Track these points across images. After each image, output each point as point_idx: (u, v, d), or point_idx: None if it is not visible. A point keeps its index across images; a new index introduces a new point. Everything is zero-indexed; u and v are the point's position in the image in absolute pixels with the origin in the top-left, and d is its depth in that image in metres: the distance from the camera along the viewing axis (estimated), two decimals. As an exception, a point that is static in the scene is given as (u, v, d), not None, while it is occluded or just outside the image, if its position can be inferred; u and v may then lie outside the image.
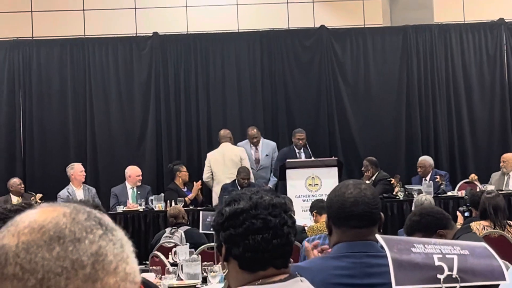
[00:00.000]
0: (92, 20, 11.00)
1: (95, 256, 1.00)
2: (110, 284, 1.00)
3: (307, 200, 8.93)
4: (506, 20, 10.70)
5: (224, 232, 2.04)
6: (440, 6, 10.81)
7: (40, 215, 1.01)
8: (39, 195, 8.53)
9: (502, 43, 10.72)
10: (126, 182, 9.55)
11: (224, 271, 2.13)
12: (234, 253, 2.02)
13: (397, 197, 9.15)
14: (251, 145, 10.12)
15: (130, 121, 10.77)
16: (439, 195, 8.95)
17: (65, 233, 1.01)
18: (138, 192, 9.53)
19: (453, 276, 1.78)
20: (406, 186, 9.54)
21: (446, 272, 1.77)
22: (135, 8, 11.07)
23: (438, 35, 10.63)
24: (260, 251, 1.99)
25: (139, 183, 9.58)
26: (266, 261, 2.00)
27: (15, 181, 9.34)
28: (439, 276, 1.77)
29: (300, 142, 9.86)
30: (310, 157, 9.89)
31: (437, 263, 1.79)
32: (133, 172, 9.45)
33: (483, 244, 1.99)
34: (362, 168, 9.71)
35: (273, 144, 10.46)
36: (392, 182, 9.48)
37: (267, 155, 10.29)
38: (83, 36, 10.66)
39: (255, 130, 10.16)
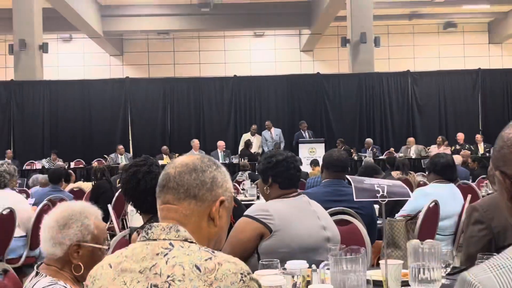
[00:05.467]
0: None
1: (212, 179, 1.48)
2: (219, 192, 1.48)
3: (308, 159, 11.19)
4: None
5: (273, 170, 2.85)
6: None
7: (185, 158, 1.51)
8: (177, 154, 10.15)
9: None
10: (218, 149, 13.36)
11: (267, 192, 2.92)
12: (278, 180, 2.85)
13: (354, 158, 12.16)
14: (268, 131, 13.53)
15: (220, 111, 14.75)
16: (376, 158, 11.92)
17: (197, 167, 1.48)
18: (224, 154, 13.17)
19: (384, 194, 2.27)
20: (359, 153, 12.94)
21: (381, 192, 2.27)
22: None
23: None
24: (293, 178, 2.88)
25: (224, 149, 13.35)
26: (294, 183, 2.89)
27: (165, 148, 13.36)
28: (377, 194, 2.27)
29: (305, 127, 13.44)
30: (310, 137, 13.16)
31: (376, 188, 2.30)
32: (220, 144, 13.53)
33: (399, 181, 2.54)
34: (336, 144, 12.68)
35: (279, 130, 13.78)
36: (351, 151, 12.72)
37: (276, 135, 13.68)
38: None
39: (268, 122, 13.64)
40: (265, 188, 2.88)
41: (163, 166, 1.68)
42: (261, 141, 14.11)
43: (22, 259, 5.28)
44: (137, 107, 15.20)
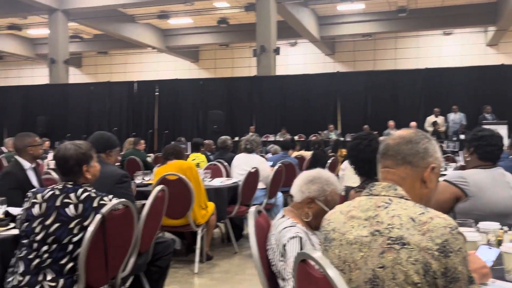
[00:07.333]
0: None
1: (424, 149, 1.41)
2: (430, 160, 1.42)
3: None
4: None
5: (477, 141, 2.60)
6: None
7: (402, 132, 1.45)
8: (376, 132, 10.33)
9: None
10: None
11: (467, 159, 2.67)
12: (478, 151, 2.60)
13: None
14: (454, 113, 12.83)
15: (411, 96, 14.12)
16: None
17: (412, 139, 1.42)
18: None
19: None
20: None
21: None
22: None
23: None
24: (491, 153, 2.59)
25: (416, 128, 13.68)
26: (492, 158, 2.61)
27: (366, 127, 13.63)
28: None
29: (489, 110, 12.18)
30: (494, 119, 11.81)
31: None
32: (412, 124, 12.42)
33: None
34: None
35: (463, 114, 12.93)
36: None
37: (459, 118, 12.87)
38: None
39: (455, 106, 12.97)
40: (466, 155, 2.66)
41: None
42: (443, 120, 13.30)
43: (263, 205, 5.45)
44: (344, 95, 15.12)
